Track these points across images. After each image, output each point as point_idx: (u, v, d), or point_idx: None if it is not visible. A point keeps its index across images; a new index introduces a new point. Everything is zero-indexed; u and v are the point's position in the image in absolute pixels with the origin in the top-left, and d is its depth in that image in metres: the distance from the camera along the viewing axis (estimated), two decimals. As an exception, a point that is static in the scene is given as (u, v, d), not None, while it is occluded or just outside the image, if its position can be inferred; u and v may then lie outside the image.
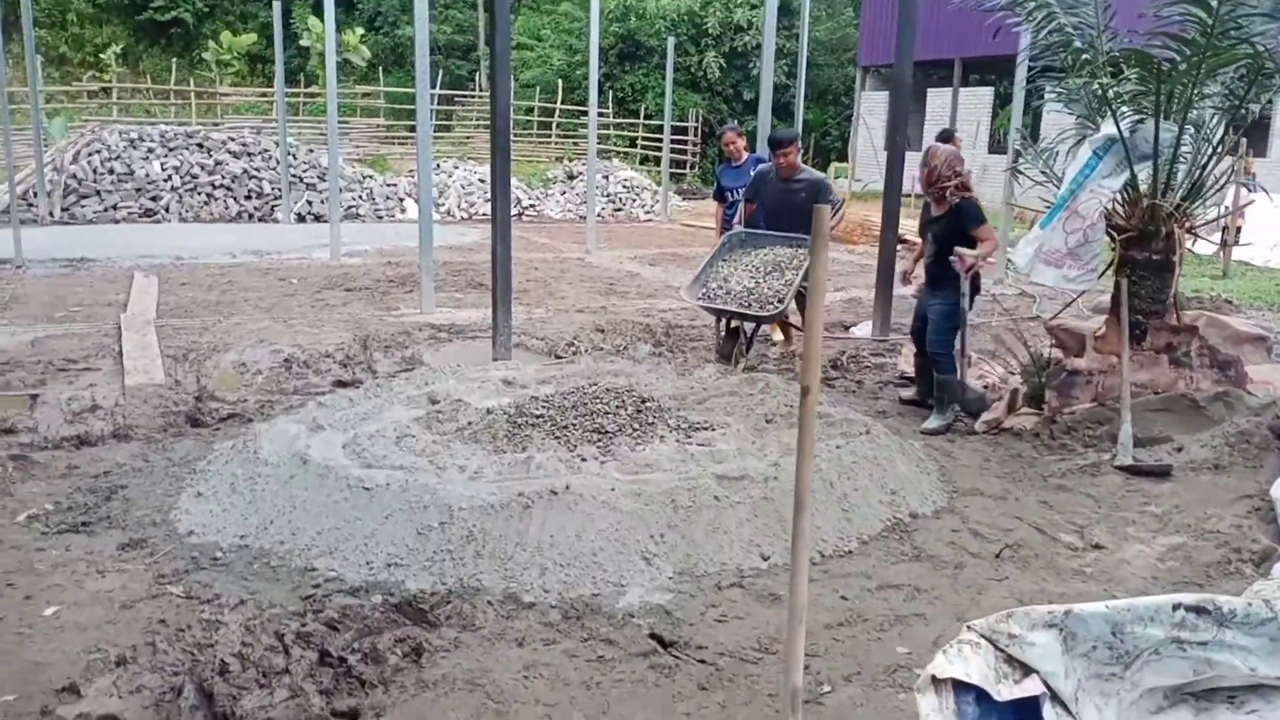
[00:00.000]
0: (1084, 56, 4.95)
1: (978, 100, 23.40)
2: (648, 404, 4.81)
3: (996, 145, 24.40)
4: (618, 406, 4.74)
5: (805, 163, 7.36)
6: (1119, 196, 5.11)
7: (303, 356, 6.94)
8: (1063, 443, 5.14)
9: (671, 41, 19.55)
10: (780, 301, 6.07)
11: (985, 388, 6.18)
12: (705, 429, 4.72)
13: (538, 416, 4.69)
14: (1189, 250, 5.26)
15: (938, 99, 24.64)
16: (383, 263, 12.24)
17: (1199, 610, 2.60)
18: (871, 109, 25.18)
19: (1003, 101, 24.52)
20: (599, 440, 4.47)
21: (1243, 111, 4.87)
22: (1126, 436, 4.85)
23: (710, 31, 26.45)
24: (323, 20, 12.03)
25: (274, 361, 6.83)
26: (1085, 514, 4.34)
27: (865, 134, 22.69)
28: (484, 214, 19.13)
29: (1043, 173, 5.76)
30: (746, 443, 4.60)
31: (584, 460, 4.24)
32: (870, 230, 15.79)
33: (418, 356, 7.15)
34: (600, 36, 14.85)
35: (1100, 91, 4.96)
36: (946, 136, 9.64)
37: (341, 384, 6.40)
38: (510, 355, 7.06)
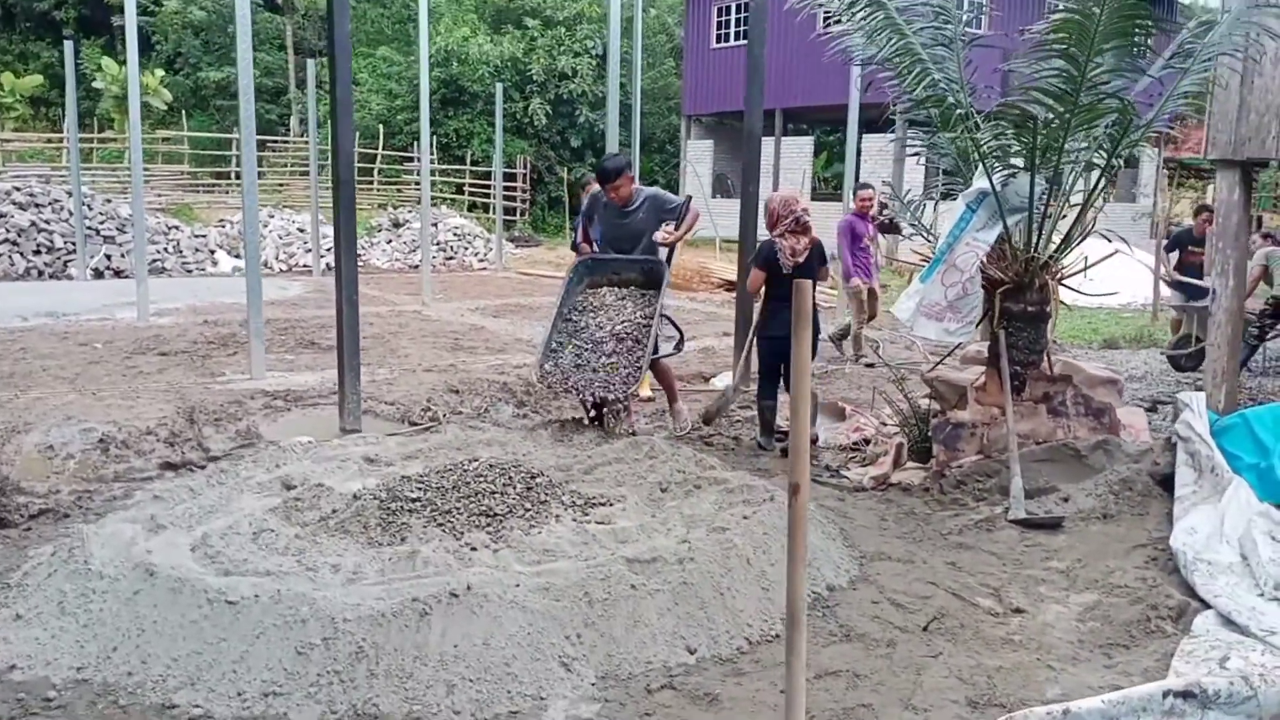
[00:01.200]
0: (957, 112, 4.98)
1: (799, 149, 24.27)
2: (537, 479, 4.42)
3: (818, 192, 25.39)
4: (505, 484, 4.32)
5: None
6: (994, 249, 5.16)
7: (120, 435, 6.11)
8: (954, 497, 5.09)
9: (500, 88, 19.29)
10: (639, 372, 5.70)
11: (863, 442, 6.12)
12: (601, 504, 4.37)
13: (414, 500, 4.21)
14: (1060, 301, 5.36)
15: (763, 147, 25.41)
16: (198, 321, 11.26)
17: (1186, 695, 2.49)
18: (698, 157, 25.69)
19: (819, 149, 25.59)
20: (488, 525, 4.05)
21: (1112, 163, 5.02)
22: (1018, 489, 4.84)
23: (535, 78, 26.37)
24: (117, 60, 11.07)
25: (87, 442, 5.98)
26: (994, 574, 4.25)
27: (695, 181, 23.05)
28: (304, 265, 18.17)
29: (910, 225, 5.77)
30: (647, 516, 4.29)
31: (475, 550, 3.81)
32: (708, 277, 15.92)
33: (254, 429, 6.45)
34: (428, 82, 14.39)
35: (973, 145, 4.99)
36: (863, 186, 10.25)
37: (170, 466, 5.68)
38: (360, 425, 6.49)
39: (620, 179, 6.09)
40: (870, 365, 9.49)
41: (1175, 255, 10.75)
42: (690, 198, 6.24)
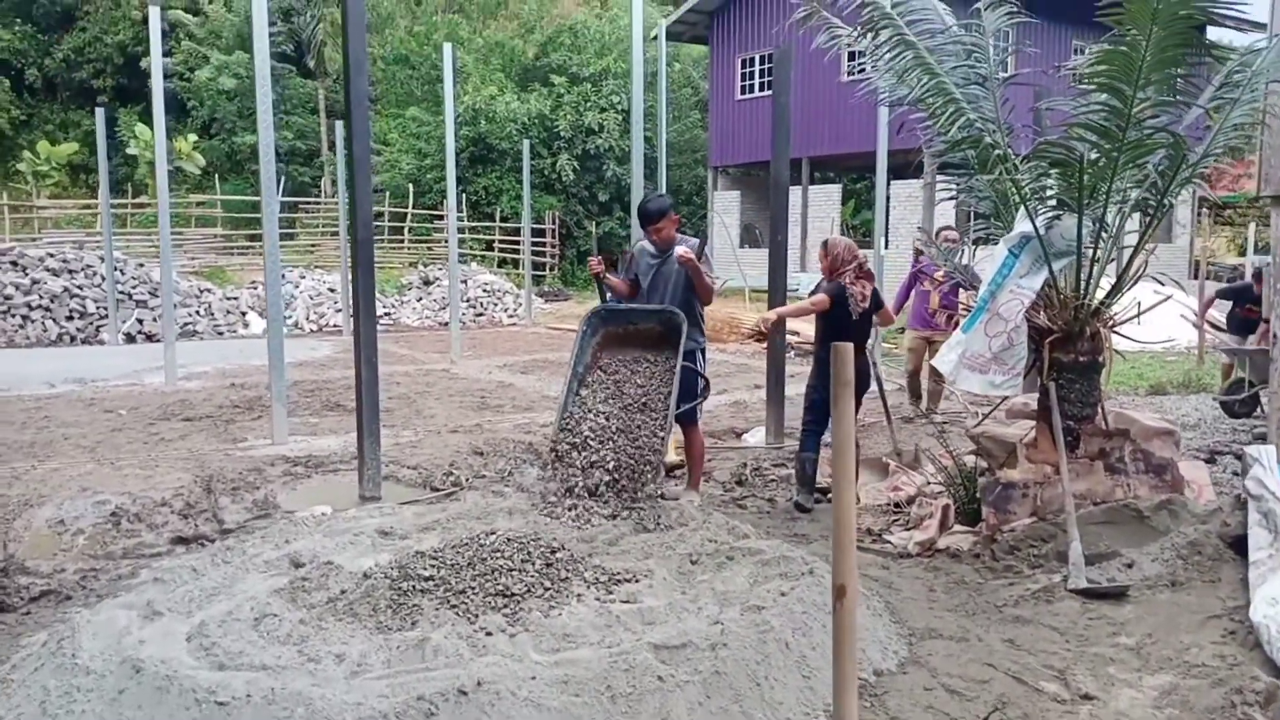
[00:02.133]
0: (996, 153, 4.72)
1: (826, 196, 24.09)
2: (557, 554, 4.13)
3: (848, 237, 25.14)
4: (523, 561, 4.04)
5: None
6: (1039, 296, 4.86)
7: (134, 508, 5.90)
8: (1007, 564, 4.74)
9: (528, 144, 19.34)
10: (661, 443, 5.27)
11: (906, 502, 5.78)
12: (626, 580, 4.07)
13: (426, 579, 3.94)
14: (1114, 350, 5.04)
15: (790, 196, 25.29)
16: (225, 385, 11.15)
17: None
18: (725, 208, 25.59)
19: (846, 196, 25.41)
20: (504, 605, 3.76)
21: (1165, 201, 4.72)
22: (1077, 555, 4.48)
23: (562, 134, 26.50)
24: (151, 127, 11.12)
25: (98, 516, 5.77)
26: (1057, 653, 3.89)
27: (722, 232, 22.91)
28: (334, 325, 18.15)
29: (948, 273, 5.48)
30: (675, 593, 3.99)
31: (489, 635, 3.52)
32: (739, 328, 15.66)
33: (271, 499, 6.23)
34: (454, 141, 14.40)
35: (1014, 187, 4.72)
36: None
37: (182, 540, 5.46)
38: (380, 491, 6.25)
39: (664, 220, 5.67)
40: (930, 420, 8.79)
41: (1229, 305, 10.39)
42: (704, 240, 5.85)
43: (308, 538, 4.68)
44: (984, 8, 5.27)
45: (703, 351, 5.87)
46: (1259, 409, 8.67)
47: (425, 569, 4.00)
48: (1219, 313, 10.54)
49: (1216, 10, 4.25)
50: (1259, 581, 4.02)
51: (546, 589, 3.87)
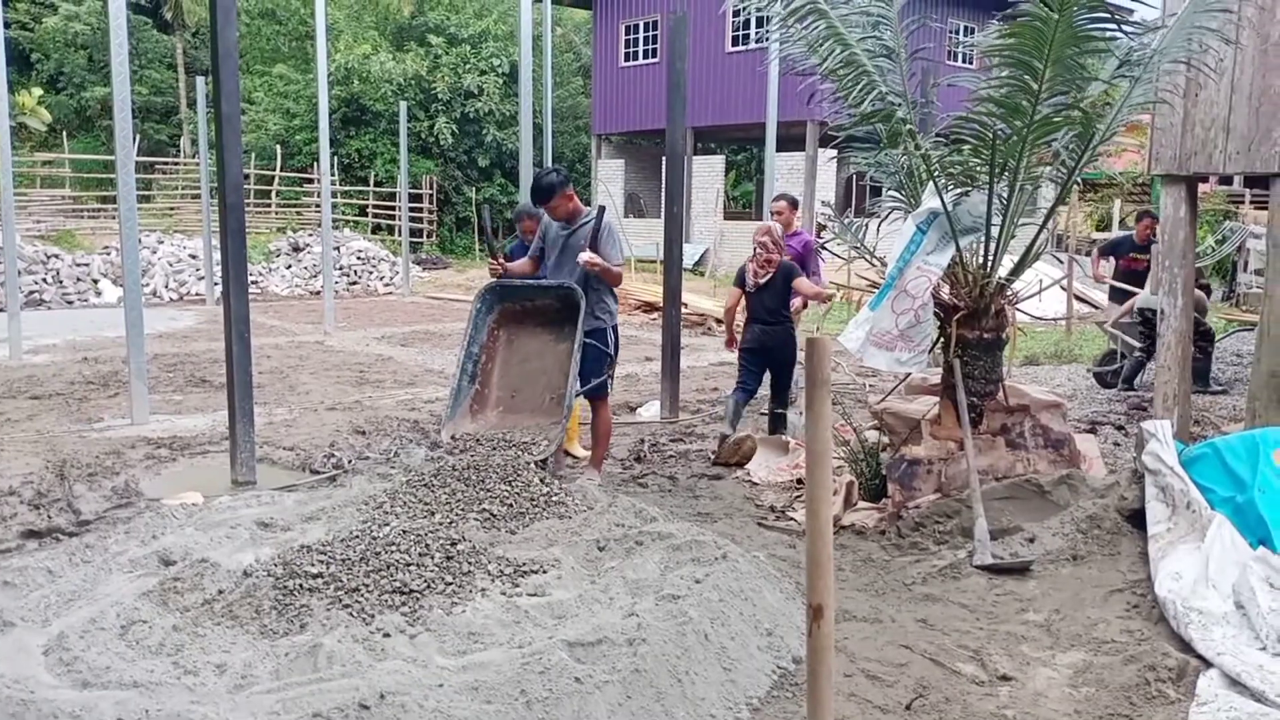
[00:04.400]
0: (906, 127, 4.63)
1: (710, 168, 24.08)
2: (458, 546, 3.87)
3: (729, 210, 25.28)
4: (421, 554, 3.77)
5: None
6: (947, 274, 4.82)
7: (-26, 498, 5.36)
8: (913, 540, 4.71)
9: (404, 106, 18.63)
10: (561, 427, 5.12)
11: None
12: (532, 570, 3.85)
13: (315, 576, 3.64)
14: (1017, 327, 5.05)
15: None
16: (77, 359, 10.34)
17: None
18: (609, 176, 25.33)
19: (727, 168, 25.49)
20: (403, 604, 3.50)
21: (1073, 177, 4.73)
22: (982, 531, 4.48)
23: (440, 96, 25.66)
24: (-10, 78, 10.14)
25: (-68, 509, 5.21)
26: (970, 632, 3.86)
27: (608, 201, 22.65)
28: (197, 294, 17.18)
29: (854, 248, 5.42)
30: (585, 583, 3.79)
31: (388, 637, 3.26)
32: (626, 298, 15.49)
33: (134, 485, 5.73)
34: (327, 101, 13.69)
35: (924, 163, 4.65)
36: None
37: (33, 534, 4.94)
38: (255, 476, 5.84)
39: (557, 197, 5.39)
40: None
41: (1112, 261, 10.33)
42: (604, 208, 5.60)
43: (178, 531, 4.28)
44: (889, -22, 5.17)
45: (614, 328, 5.65)
46: (1132, 381, 9.00)
47: (313, 565, 3.70)
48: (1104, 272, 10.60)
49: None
50: (1160, 556, 4.09)
51: (448, 584, 3.62)
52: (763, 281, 6.48)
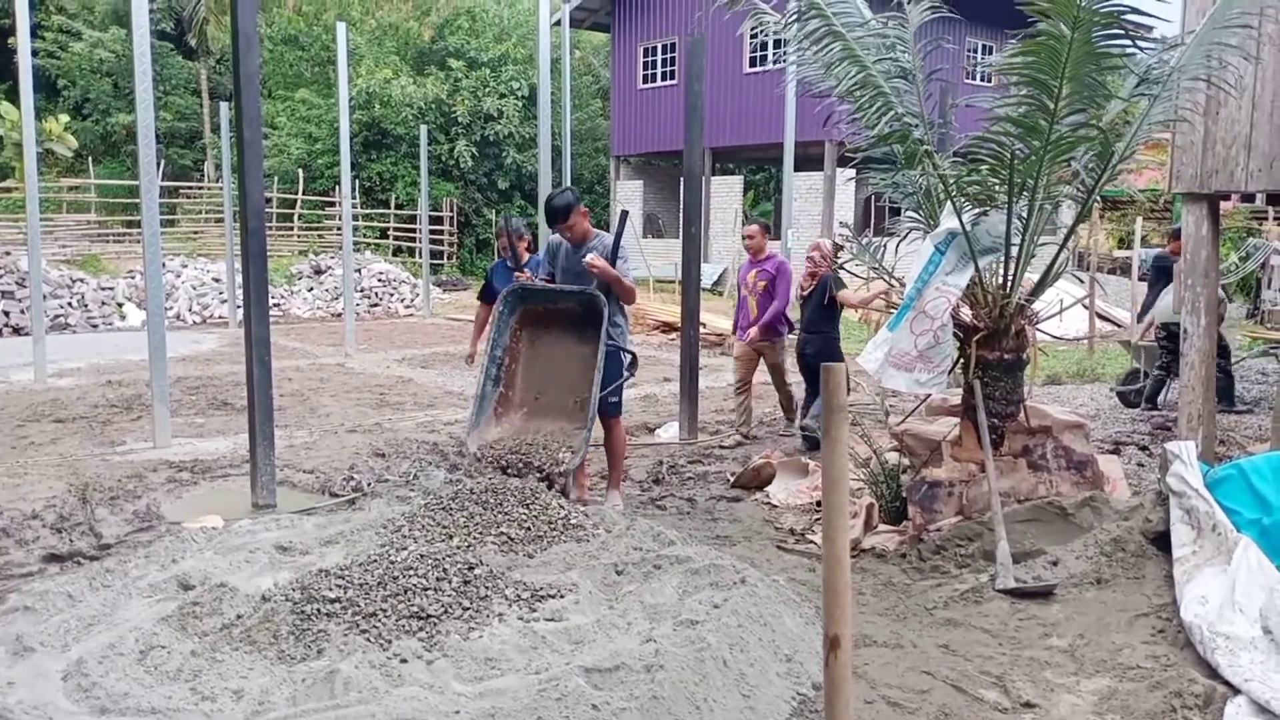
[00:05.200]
0: (923, 148, 4.62)
1: (728, 188, 24.11)
2: (475, 571, 3.86)
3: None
4: (438, 579, 3.76)
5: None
6: (966, 294, 4.79)
7: (0, 522, 5.40)
8: (934, 564, 4.66)
9: (424, 130, 18.78)
10: (586, 432, 5.10)
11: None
12: (549, 595, 3.83)
13: (332, 601, 3.63)
14: (1038, 347, 5.02)
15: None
16: (101, 382, 10.44)
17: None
18: (627, 197, 25.40)
19: (745, 188, 25.52)
20: (420, 629, 3.49)
21: (1093, 196, 4.70)
22: (1005, 555, 4.43)
23: (460, 120, 25.85)
24: (18, 106, 10.32)
25: (-44, 533, 5.25)
26: (992, 657, 3.81)
27: (627, 222, 22.69)
28: (220, 317, 17.33)
29: (873, 269, 5.40)
30: (603, 608, 3.77)
31: (405, 663, 3.25)
32: (645, 318, 15.52)
33: (155, 509, 5.77)
34: (348, 124, 13.83)
35: (941, 183, 4.63)
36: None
37: (55, 558, 4.97)
38: (275, 499, 5.86)
39: (572, 216, 5.40)
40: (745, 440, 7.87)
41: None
42: (626, 212, 5.58)
43: (197, 555, 4.30)
44: (907, 1, 5.17)
45: (623, 348, 5.64)
46: (1155, 400, 8.91)
47: (331, 589, 3.69)
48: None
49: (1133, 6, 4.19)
50: (1185, 579, 4.02)
51: (465, 609, 3.61)
52: (806, 294, 7.39)
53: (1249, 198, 19.54)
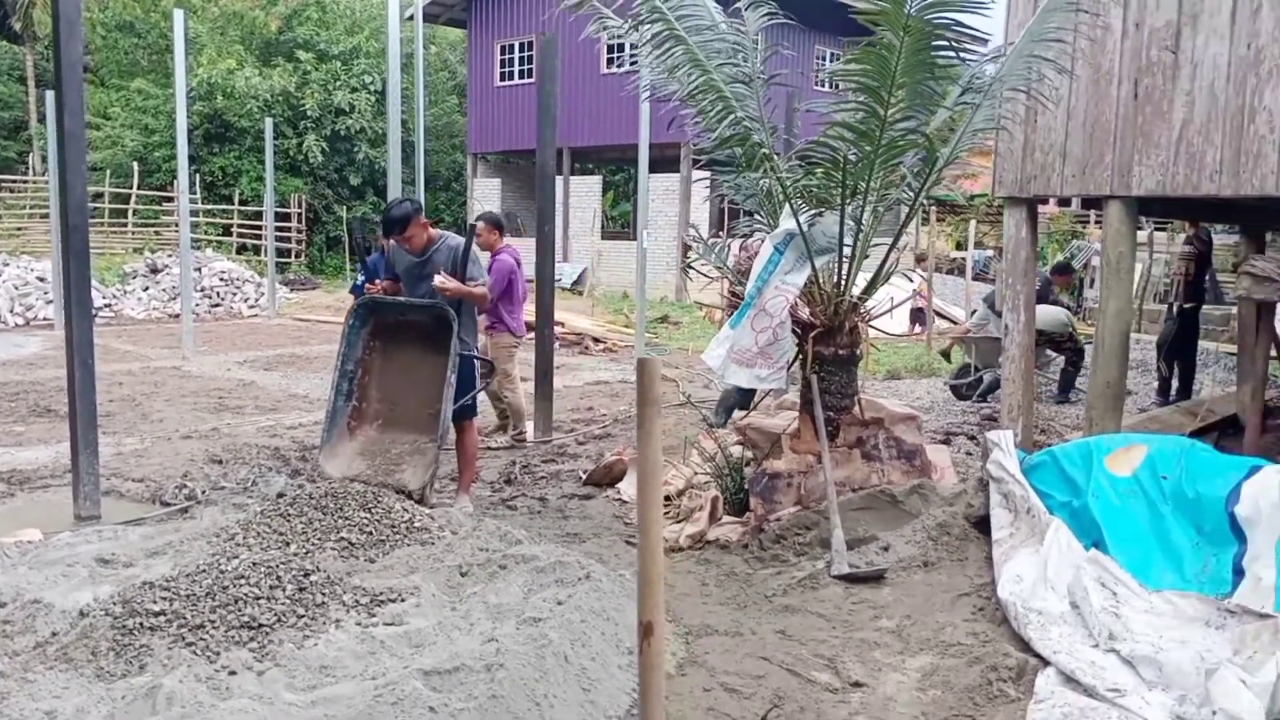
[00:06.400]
0: (762, 151, 4.75)
1: (587, 188, 24.17)
2: (311, 577, 3.76)
3: (607, 230, 25.41)
4: (272, 587, 3.64)
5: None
6: (803, 293, 4.95)
7: None
8: (774, 553, 4.81)
9: (270, 123, 18.12)
10: (437, 448, 5.08)
11: (675, 494, 5.78)
12: (390, 599, 3.77)
13: (156, 614, 3.48)
14: (871, 343, 5.23)
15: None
16: (-92, 389, 9.64)
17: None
18: (485, 195, 25.14)
19: (604, 188, 25.67)
20: (251, 639, 3.37)
21: (920, 199, 4.93)
22: (839, 542, 4.60)
23: (309, 114, 25.01)
24: None
25: None
26: (826, 640, 3.96)
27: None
28: (45, 318, 16.25)
29: (717, 268, 5.52)
30: (445, 610, 3.73)
31: (233, 674, 3.14)
32: (500, 319, 15.36)
33: (-35, 524, 5.38)
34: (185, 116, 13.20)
35: (780, 185, 4.78)
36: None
37: None
38: (99, 510, 5.55)
39: (410, 227, 5.30)
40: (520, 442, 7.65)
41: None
42: (474, 227, 5.51)
43: (9, 571, 4.04)
44: (745, 7, 5.32)
45: (476, 357, 5.62)
46: (986, 393, 9.42)
47: (155, 603, 3.53)
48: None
49: (962, 13, 4.41)
50: (1003, 560, 4.28)
51: (300, 616, 3.51)
52: None
53: (1065, 202, 20.89)
